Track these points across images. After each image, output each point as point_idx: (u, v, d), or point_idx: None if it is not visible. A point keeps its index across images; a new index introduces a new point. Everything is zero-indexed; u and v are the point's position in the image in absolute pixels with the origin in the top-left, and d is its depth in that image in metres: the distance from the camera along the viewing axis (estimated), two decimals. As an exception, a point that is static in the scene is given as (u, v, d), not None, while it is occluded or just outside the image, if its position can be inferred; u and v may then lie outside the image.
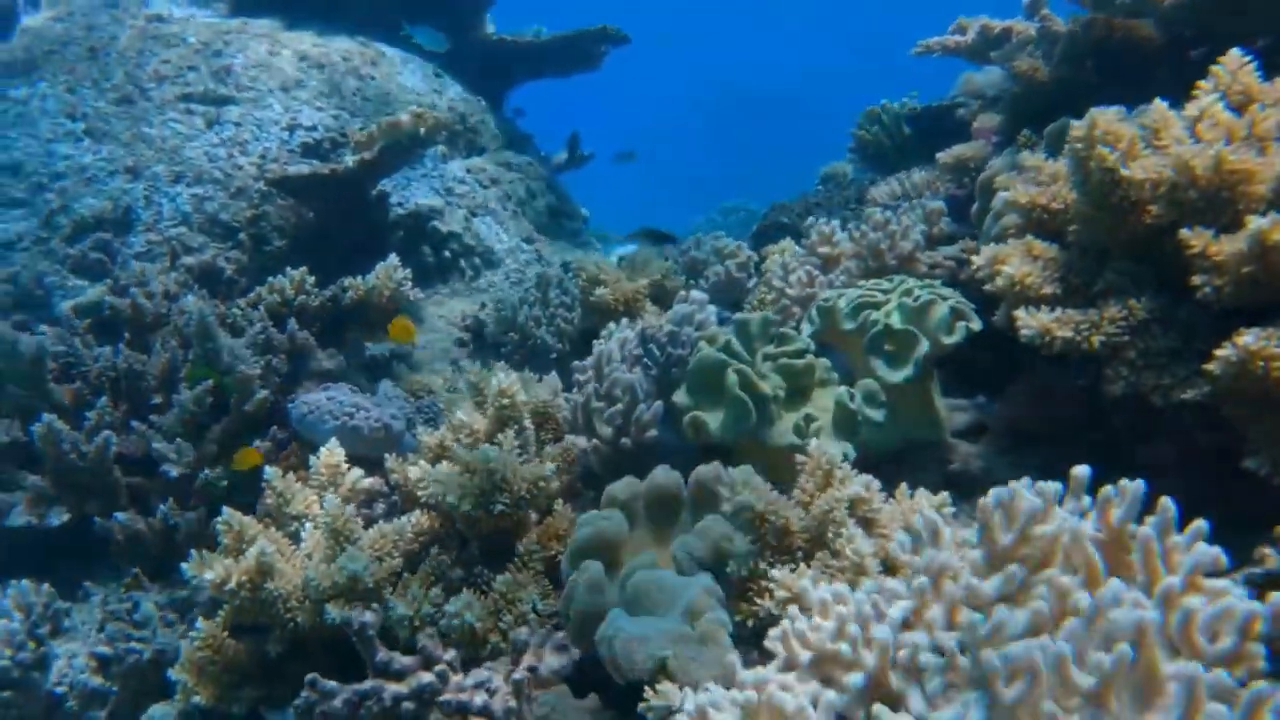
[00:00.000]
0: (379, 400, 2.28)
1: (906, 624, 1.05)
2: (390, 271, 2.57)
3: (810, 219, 2.34)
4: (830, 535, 1.34)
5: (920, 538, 1.08)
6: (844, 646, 1.01)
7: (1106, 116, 1.45)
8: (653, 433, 1.75)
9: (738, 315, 1.91)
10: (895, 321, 1.73)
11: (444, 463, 1.78)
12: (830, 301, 1.85)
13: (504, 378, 1.85)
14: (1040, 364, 1.76)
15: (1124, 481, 1.02)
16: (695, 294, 2.12)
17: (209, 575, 1.61)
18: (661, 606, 1.40)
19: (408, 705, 1.46)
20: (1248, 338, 1.21)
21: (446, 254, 3.20)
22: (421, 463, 1.83)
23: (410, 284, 2.62)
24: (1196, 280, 1.32)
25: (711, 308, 2.09)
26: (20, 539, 1.98)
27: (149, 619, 1.87)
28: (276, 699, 1.64)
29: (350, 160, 2.81)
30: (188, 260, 2.73)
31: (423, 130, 2.83)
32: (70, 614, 1.93)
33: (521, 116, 4.59)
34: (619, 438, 1.75)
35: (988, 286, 1.66)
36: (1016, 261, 1.60)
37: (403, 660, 1.51)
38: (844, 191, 3.24)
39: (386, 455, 1.92)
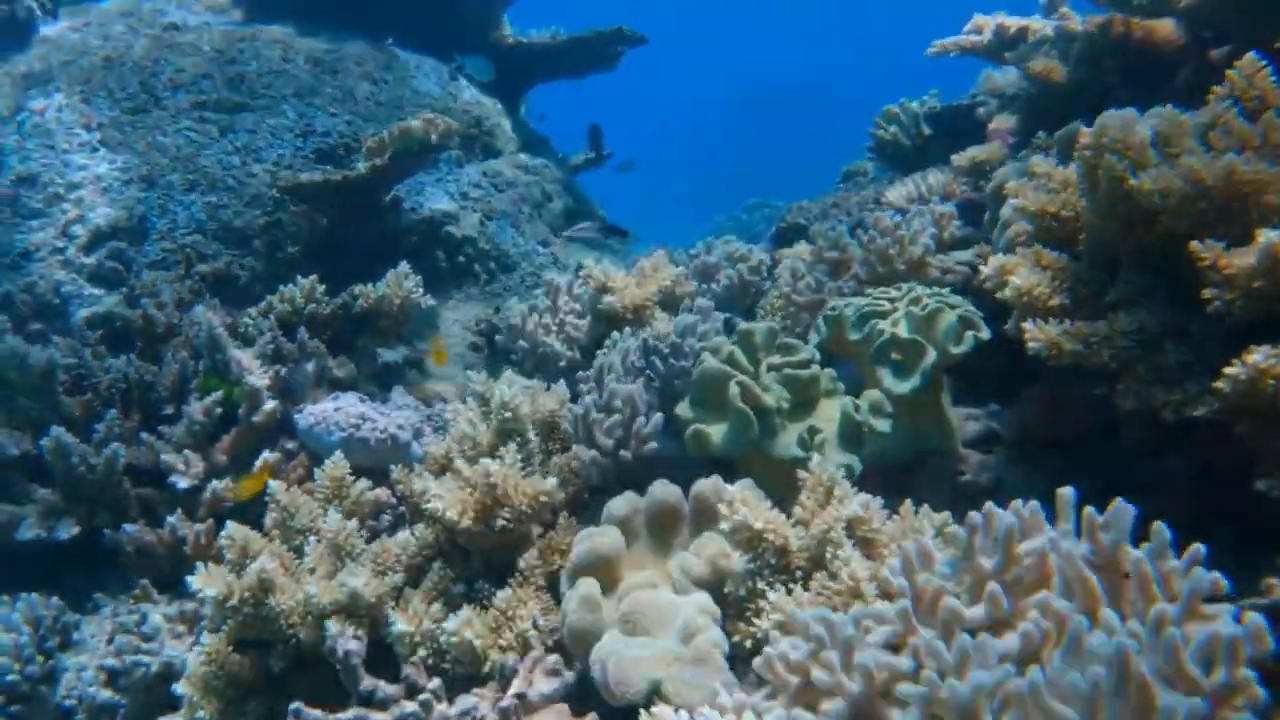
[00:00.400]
0: (388, 409, 2.27)
1: (895, 649, 1.03)
2: (400, 279, 2.56)
3: (815, 226, 2.31)
4: (828, 556, 1.31)
5: (910, 563, 1.05)
6: (821, 674, 0.99)
7: (1116, 122, 1.40)
8: (652, 445, 1.73)
9: (741, 325, 1.88)
10: (902, 331, 1.70)
11: (447, 475, 1.77)
12: (837, 311, 1.82)
13: (507, 390, 1.83)
14: (1053, 372, 1.72)
15: (1117, 501, 1.00)
16: (701, 302, 2.10)
17: (211, 591, 1.61)
18: (658, 626, 1.38)
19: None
20: (1257, 356, 1.17)
21: (461, 259, 3.19)
22: (425, 474, 1.82)
23: (421, 290, 2.61)
24: (1208, 294, 1.28)
25: (718, 315, 2.06)
26: (30, 551, 1.99)
27: (157, 631, 1.87)
28: (281, 714, 1.64)
29: (362, 166, 2.80)
30: (202, 268, 2.75)
31: (434, 136, 2.82)
32: (80, 626, 1.94)
33: (544, 121, 4.58)
34: (619, 450, 1.73)
35: (998, 295, 1.63)
36: (1025, 272, 1.56)
37: (387, 689, 1.50)
38: (863, 191, 3.19)
39: (392, 466, 1.91)
